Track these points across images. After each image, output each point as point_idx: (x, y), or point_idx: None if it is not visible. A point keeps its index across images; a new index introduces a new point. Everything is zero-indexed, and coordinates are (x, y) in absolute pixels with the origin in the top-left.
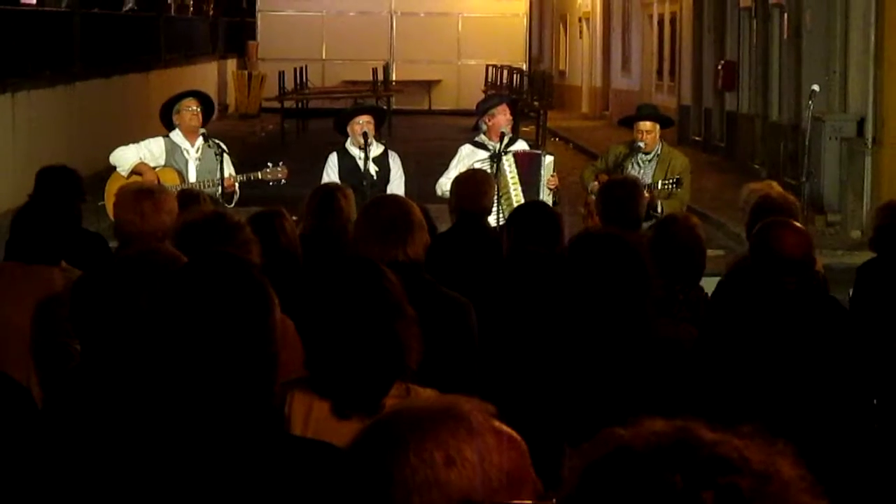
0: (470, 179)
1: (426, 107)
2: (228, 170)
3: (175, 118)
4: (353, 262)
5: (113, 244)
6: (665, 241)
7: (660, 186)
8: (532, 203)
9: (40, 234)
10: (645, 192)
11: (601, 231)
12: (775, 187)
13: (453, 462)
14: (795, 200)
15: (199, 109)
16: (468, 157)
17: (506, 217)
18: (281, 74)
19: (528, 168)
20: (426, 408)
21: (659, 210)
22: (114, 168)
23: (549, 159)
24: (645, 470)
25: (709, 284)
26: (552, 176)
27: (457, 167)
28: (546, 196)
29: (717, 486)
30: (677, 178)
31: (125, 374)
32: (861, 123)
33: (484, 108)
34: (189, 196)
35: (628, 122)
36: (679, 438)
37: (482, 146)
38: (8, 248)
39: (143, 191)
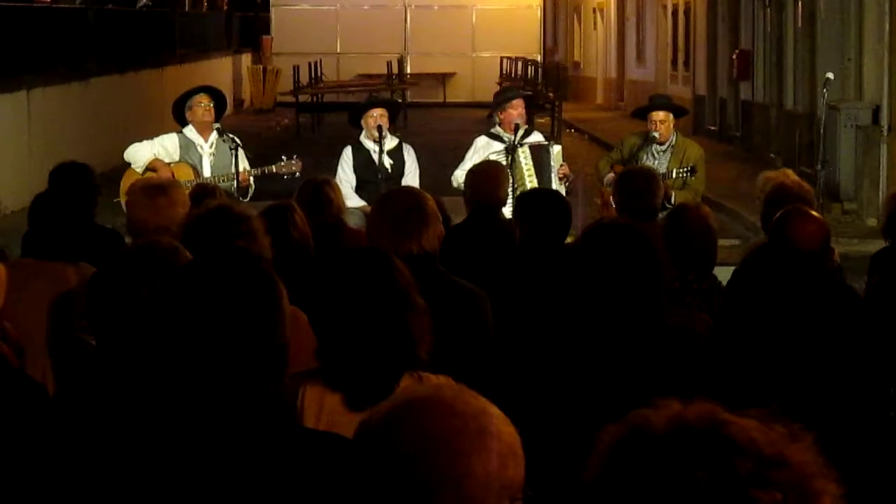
0: (484, 171)
1: (441, 99)
2: (243, 164)
3: (188, 114)
4: (362, 252)
5: (127, 240)
6: (677, 231)
7: (674, 175)
8: (539, 190)
9: (54, 230)
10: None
11: (614, 222)
12: (790, 175)
13: (506, 456)
14: (810, 189)
15: (210, 105)
16: (484, 149)
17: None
18: (295, 69)
19: (542, 160)
20: (461, 397)
21: (672, 201)
22: (129, 164)
23: (556, 149)
24: (655, 452)
25: (724, 274)
26: (561, 165)
27: (472, 159)
28: (558, 186)
29: (712, 466)
30: (692, 167)
31: (140, 369)
32: (876, 111)
33: (497, 102)
34: (204, 191)
35: (642, 114)
36: (689, 420)
37: (498, 138)
38: (23, 244)
39: (155, 186)
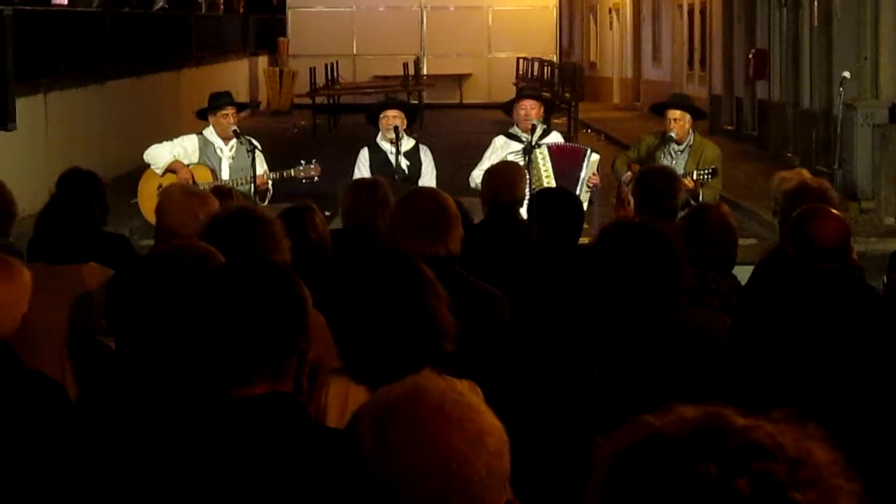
0: (501, 171)
1: (457, 100)
2: (262, 167)
3: (210, 117)
4: (386, 253)
5: (145, 242)
6: (697, 230)
7: (695, 176)
8: (551, 189)
9: (63, 233)
10: (688, 180)
11: (631, 221)
12: (805, 175)
13: (501, 449)
14: (830, 187)
15: (235, 116)
16: (502, 149)
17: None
18: (312, 70)
19: (567, 162)
20: (448, 398)
21: (700, 199)
22: (146, 166)
23: (594, 157)
24: (677, 457)
25: (741, 273)
26: (594, 174)
27: (490, 158)
28: (584, 193)
29: (751, 472)
30: (713, 169)
31: (159, 371)
32: (893, 109)
33: (509, 102)
34: (221, 193)
35: (659, 109)
36: (711, 425)
37: (516, 138)
38: (30, 249)
39: (193, 193)
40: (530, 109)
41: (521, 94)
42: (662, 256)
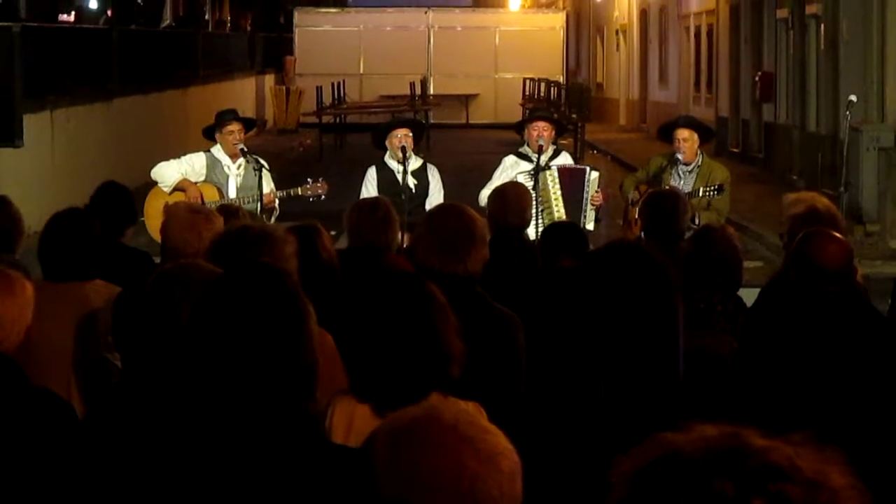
0: (506, 193)
1: (464, 120)
2: (269, 186)
3: (217, 135)
4: (398, 273)
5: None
6: (703, 252)
7: (700, 193)
8: (561, 223)
9: (65, 251)
10: (693, 202)
11: (615, 243)
12: (819, 199)
13: (514, 472)
14: (840, 214)
15: (242, 134)
16: (512, 168)
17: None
18: (319, 89)
19: (573, 183)
20: (462, 420)
21: (696, 221)
22: (153, 184)
23: (594, 175)
24: (695, 476)
25: (747, 295)
26: (597, 192)
27: (500, 177)
28: (589, 212)
29: (768, 493)
30: (719, 185)
31: (166, 389)
32: None
33: (522, 120)
34: (228, 211)
35: (666, 132)
36: (730, 445)
37: (526, 157)
38: (42, 264)
39: (198, 211)
40: (543, 131)
41: (534, 115)
42: (645, 274)
